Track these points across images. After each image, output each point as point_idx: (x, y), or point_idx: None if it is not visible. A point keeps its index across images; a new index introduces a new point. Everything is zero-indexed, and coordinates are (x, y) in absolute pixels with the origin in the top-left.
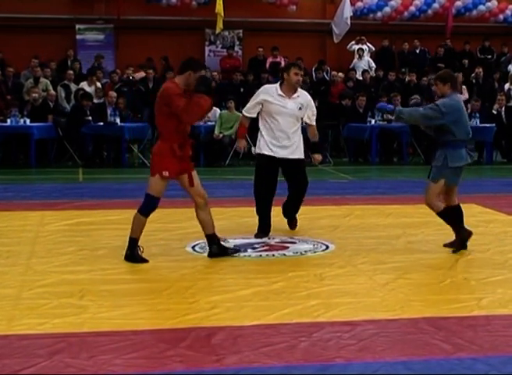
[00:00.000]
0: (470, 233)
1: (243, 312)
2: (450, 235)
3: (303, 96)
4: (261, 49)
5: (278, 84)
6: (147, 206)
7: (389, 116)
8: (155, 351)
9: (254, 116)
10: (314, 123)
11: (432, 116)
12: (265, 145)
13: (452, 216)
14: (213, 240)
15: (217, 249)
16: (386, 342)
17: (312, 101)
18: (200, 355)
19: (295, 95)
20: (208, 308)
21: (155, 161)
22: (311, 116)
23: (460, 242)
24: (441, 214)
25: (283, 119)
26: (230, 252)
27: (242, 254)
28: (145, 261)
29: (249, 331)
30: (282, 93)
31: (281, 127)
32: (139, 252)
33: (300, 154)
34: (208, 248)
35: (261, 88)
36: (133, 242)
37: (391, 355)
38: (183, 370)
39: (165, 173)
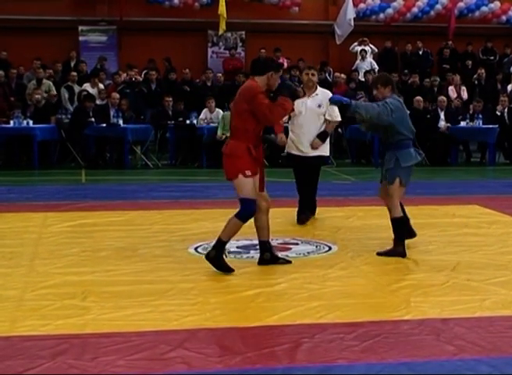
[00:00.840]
0: (404, 254)
1: (245, 314)
2: (452, 236)
3: (323, 94)
4: (263, 50)
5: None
6: (246, 211)
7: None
8: (158, 352)
9: None
10: (335, 120)
11: (384, 113)
12: (292, 144)
13: (402, 228)
14: (266, 246)
15: (269, 256)
16: (389, 343)
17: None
18: (203, 357)
19: (314, 94)
20: (210, 310)
21: (232, 163)
22: (331, 112)
23: (390, 252)
24: (396, 220)
25: (303, 117)
26: (281, 262)
27: (245, 255)
28: (231, 270)
29: (252, 332)
30: None
31: (302, 125)
32: (224, 257)
33: (322, 151)
34: (210, 248)
35: None
36: (222, 245)
37: (394, 357)
38: (186, 371)
39: (248, 172)
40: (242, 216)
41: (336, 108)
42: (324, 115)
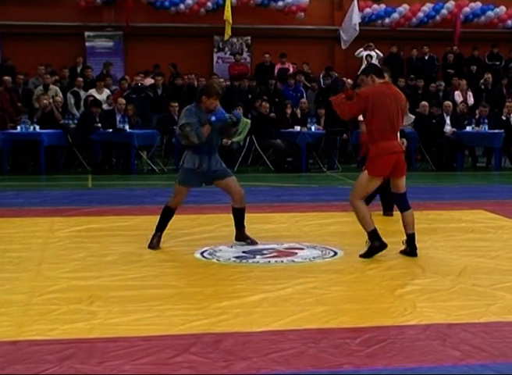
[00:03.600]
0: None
1: (251, 319)
2: (458, 241)
3: None
4: (267, 55)
5: None
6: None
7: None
8: (164, 357)
9: None
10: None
11: None
12: None
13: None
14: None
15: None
16: (395, 349)
17: None
18: (208, 361)
19: None
20: (216, 314)
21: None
22: None
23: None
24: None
25: None
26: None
27: (250, 260)
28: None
29: (257, 337)
30: None
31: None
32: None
33: None
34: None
35: None
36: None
37: (400, 362)
38: None
39: None
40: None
41: None
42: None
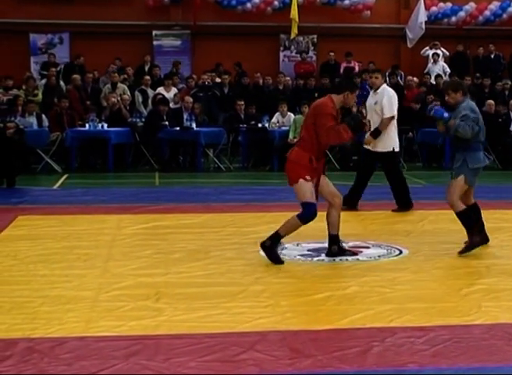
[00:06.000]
0: (482, 241)
1: (316, 317)
2: None
3: (382, 92)
4: (332, 54)
5: None
6: (307, 214)
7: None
8: (229, 354)
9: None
10: (385, 116)
11: (471, 131)
12: None
13: (470, 219)
14: (335, 240)
15: (336, 249)
16: (460, 348)
17: (386, 97)
18: (273, 359)
19: (375, 92)
20: (281, 312)
21: (293, 168)
22: (383, 109)
23: (469, 246)
24: (460, 214)
25: (368, 113)
26: (347, 254)
27: (315, 258)
28: (280, 262)
29: (322, 335)
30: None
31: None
32: (277, 250)
33: (380, 147)
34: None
35: None
36: (277, 237)
37: (465, 361)
38: (257, 373)
39: (308, 177)
40: (303, 218)
41: (387, 105)
42: (381, 111)
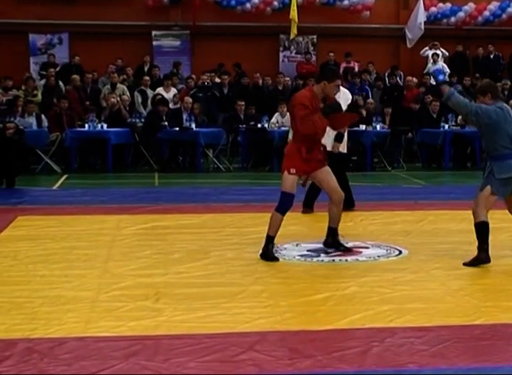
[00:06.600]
0: (487, 260)
1: (315, 317)
2: None
3: (340, 94)
4: (331, 54)
5: None
6: (283, 204)
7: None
8: (229, 354)
9: None
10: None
11: (469, 112)
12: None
13: (484, 234)
14: (331, 233)
15: (330, 241)
16: (460, 348)
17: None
18: (273, 359)
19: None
20: (281, 313)
21: (284, 160)
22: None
23: (474, 262)
24: (478, 225)
25: None
26: (342, 249)
27: (315, 259)
28: (276, 259)
29: (322, 336)
30: None
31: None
32: (272, 250)
33: (342, 148)
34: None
35: None
36: (270, 240)
37: (464, 361)
38: (256, 373)
39: (292, 170)
40: (279, 209)
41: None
42: None
